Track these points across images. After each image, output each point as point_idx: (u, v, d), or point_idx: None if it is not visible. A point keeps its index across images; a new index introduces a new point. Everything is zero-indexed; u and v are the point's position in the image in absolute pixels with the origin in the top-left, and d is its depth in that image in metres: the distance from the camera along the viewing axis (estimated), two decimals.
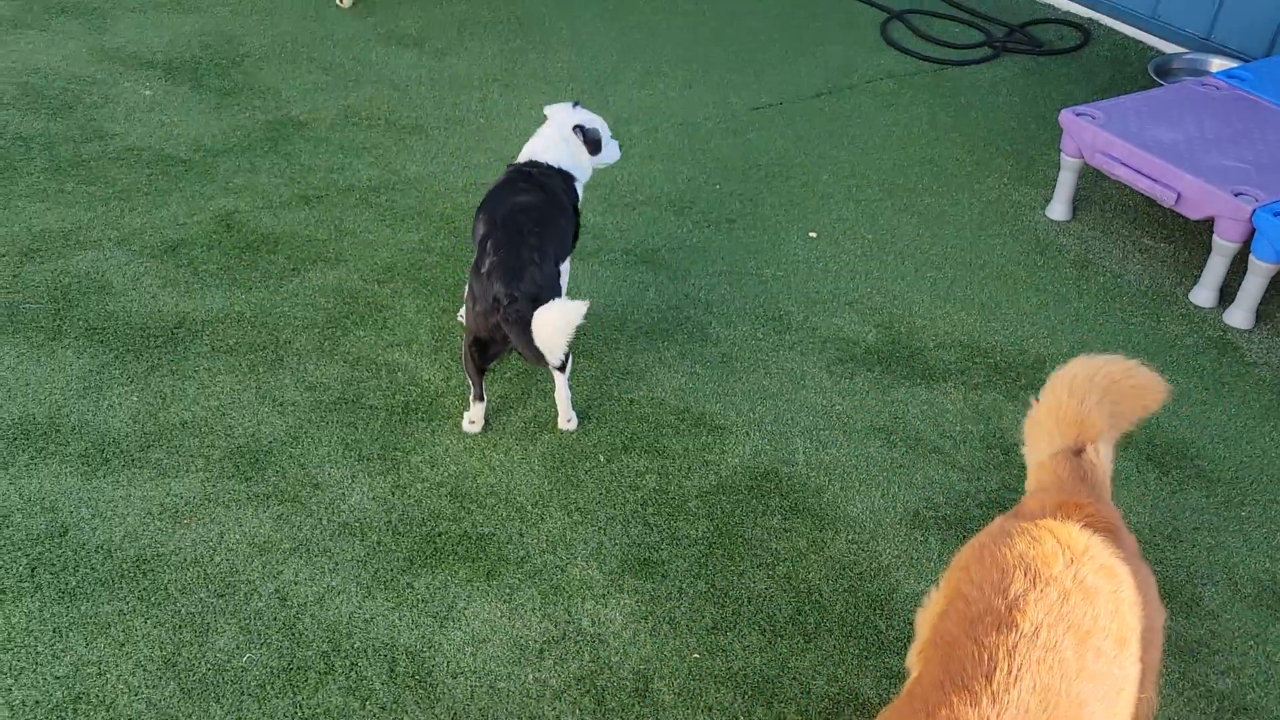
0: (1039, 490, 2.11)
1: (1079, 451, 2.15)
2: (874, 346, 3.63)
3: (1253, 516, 3.11)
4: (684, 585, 2.85)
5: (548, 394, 3.31)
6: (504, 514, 3.02)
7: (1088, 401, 2.19)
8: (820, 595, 2.84)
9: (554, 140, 3.30)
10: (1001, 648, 1.72)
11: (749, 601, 2.81)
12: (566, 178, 3.27)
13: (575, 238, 3.34)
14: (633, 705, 2.52)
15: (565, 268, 3.29)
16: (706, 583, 2.85)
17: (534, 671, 2.62)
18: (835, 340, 3.64)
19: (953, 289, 3.92)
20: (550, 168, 3.24)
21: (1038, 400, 2.26)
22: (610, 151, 3.44)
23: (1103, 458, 2.16)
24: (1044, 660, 1.71)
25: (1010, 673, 1.69)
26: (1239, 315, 3.71)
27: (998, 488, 3.15)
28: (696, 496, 3.11)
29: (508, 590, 2.81)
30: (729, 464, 3.20)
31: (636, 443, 3.27)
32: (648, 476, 3.16)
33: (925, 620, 2.03)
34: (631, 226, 4.11)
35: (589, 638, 2.70)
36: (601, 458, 3.22)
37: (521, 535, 2.97)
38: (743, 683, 2.63)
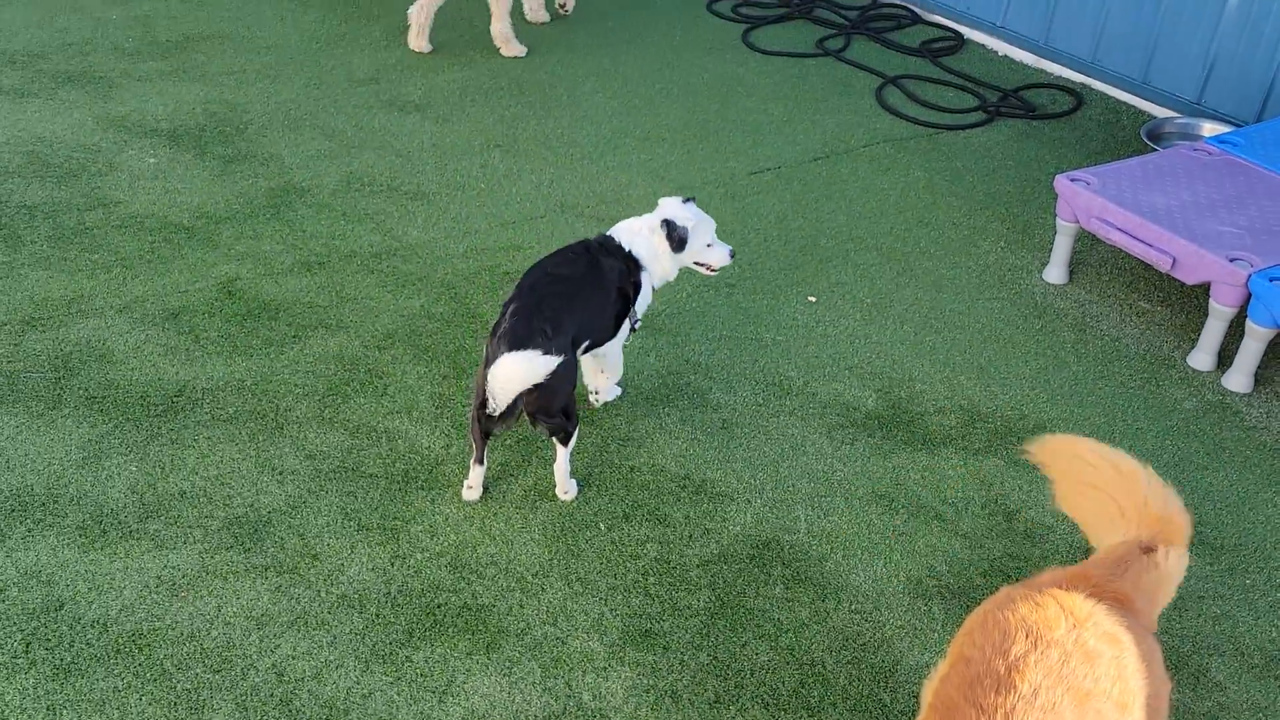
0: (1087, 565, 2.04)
1: (1149, 550, 2.06)
2: (874, 412, 3.63)
3: (1258, 585, 3.11)
4: (686, 657, 2.82)
5: (548, 461, 3.33)
6: (504, 584, 3.00)
7: (1172, 503, 2.12)
8: (824, 668, 2.81)
9: (641, 226, 3.26)
10: (999, 710, 1.69)
11: (752, 674, 2.78)
12: (631, 262, 3.20)
13: (621, 324, 3.27)
14: None
15: (609, 351, 3.29)
16: (709, 654, 2.83)
17: None
18: (835, 405, 3.65)
19: (952, 353, 3.93)
20: (618, 247, 3.21)
21: (1094, 470, 2.20)
22: (711, 254, 3.35)
23: (1172, 563, 2.07)
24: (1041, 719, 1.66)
25: None
26: (1238, 379, 3.71)
27: (1000, 555, 3.15)
28: (698, 566, 3.09)
29: (508, 663, 2.78)
30: (730, 532, 3.19)
31: (637, 511, 3.26)
32: (648, 545, 3.15)
33: (930, 689, 2.01)
34: None
35: (590, 712, 2.66)
36: (602, 526, 3.21)
37: (522, 606, 2.94)
38: None
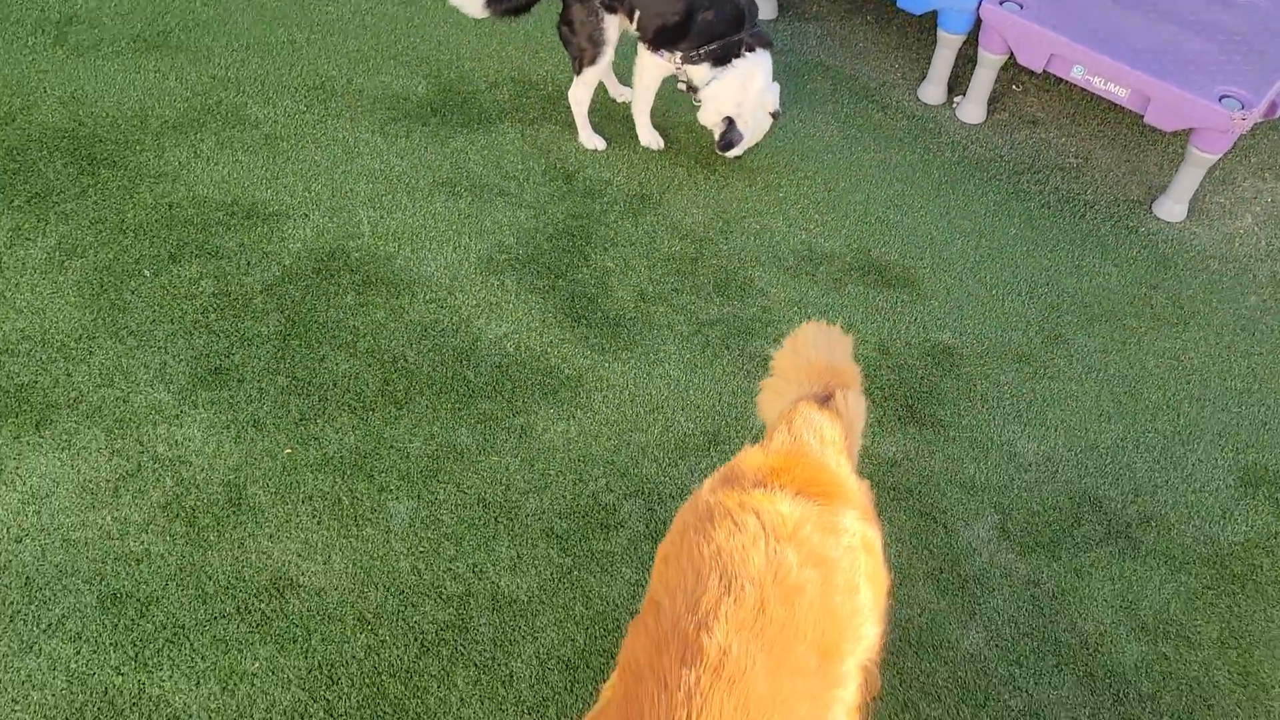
0: (762, 447, 1.85)
1: (827, 398, 1.92)
2: (425, 99, 3.54)
3: (789, 197, 3.44)
4: (263, 385, 2.75)
5: (69, 216, 3.07)
6: (42, 357, 2.74)
7: (837, 352, 2.02)
8: (406, 361, 2.84)
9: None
10: (683, 686, 1.45)
11: (334, 385, 2.77)
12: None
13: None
14: (228, 516, 2.47)
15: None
16: (287, 376, 2.78)
17: (110, 512, 2.45)
18: (384, 99, 3.52)
19: (497, 27, 3.79)
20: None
21: (773, 363, 2.10)
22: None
23: (851, 406, 1.94)
24: (730, 695, 1.44)
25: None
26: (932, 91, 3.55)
27: (565, 217, 3.29)
28: (261, 292, 2.97)
29: (65, 436, 2.58)
30: (291, 250, 3.08)
31: (185, 249, 3.05)
32: (204, 282, 2.98)
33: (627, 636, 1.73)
34: None
35: (168, 462, 2.56)
36: (147, 273, 2.98)
37: (69, 375, 2.71)
38: (340, 464, 2.60)
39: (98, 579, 2.35)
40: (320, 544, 2.45)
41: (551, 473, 2.64)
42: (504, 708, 2.19)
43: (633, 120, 3.47)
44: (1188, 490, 2.75)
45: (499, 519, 2.53)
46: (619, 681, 1.54)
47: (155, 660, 2.23)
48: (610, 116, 3.57)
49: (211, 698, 2.17)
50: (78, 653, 2.23)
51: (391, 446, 2.65)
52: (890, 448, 2.78)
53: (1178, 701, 2.30)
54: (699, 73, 3.23)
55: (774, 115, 3.29)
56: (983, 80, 3.64)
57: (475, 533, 2.50)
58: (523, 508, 2.56)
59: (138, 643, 2.26)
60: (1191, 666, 2.37)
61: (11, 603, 2.30)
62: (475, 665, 2.27)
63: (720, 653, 1.45)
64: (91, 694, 2.17)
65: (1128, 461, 2.80)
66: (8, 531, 2.41)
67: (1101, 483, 2.75)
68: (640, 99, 3.38)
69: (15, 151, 3.22)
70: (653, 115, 3.46)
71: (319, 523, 2.49)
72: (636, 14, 3.14)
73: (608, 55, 3.25)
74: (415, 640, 2.30)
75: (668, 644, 1.49)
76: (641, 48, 3.25)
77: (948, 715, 2.24)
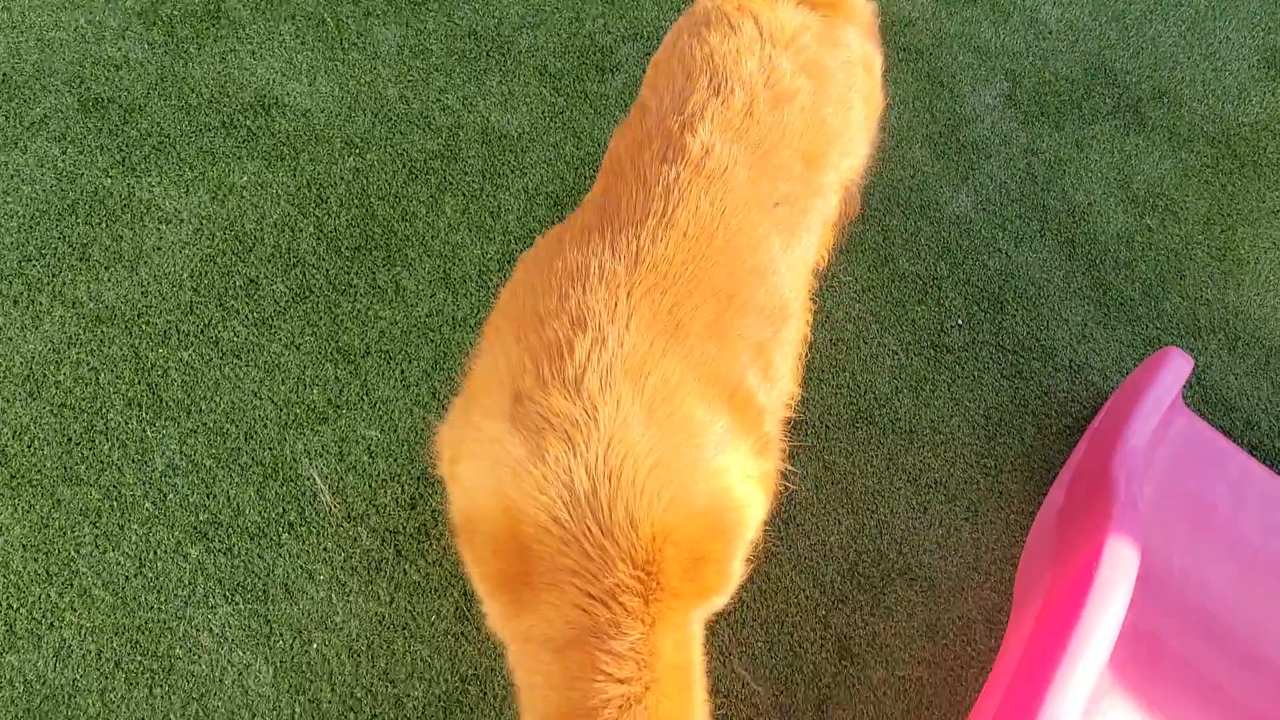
0: None
1: None
2: None
3: None
4: None
5: None
6: None
7: None
8: None
9: None
10: (661, 182, 1.38)
11: None
12: None
13: None
14: (208, 29, 2.41)
15: None
16: None
17: (85, 14, 2.39)
18: None
19: None
20: None
21: None
22: None
23: None
24: (708, 192, 1.39)
25: (664, 216, 1.37)
26: None
27: None
28: None
29: None
30: None
31: None
32: None
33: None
34: None
35: None
36: None
37: None
38: None
39: (77, 82, 2.30)
40: (305, 65, 2.38)
41: (546, 9, 2.52)
42: (491, 236, 2.20)
43: None
44: (1207, 68, 2.63)
45: (490, 53, 2.44)
46: (599, 180, 1.53)
47: (143, 166, 2.23)
48: None
49: (201, 206, 2.18)
50: (64, 153, 2.22)
51: None
52: (905, 6, 2.63)
53: (1152, 270, 2.33)
54: None
55: None
56: None
57: (465, 65, 2.41)
58: (516, 43, 2.45)
59: (124, 148, 2.24)
60: (1173, 239, 2.37)
61: None
62: (464, 195, 2.26)
63: (702, 151, 1.43)
64: (82, 193, 2.18)
65: (1152, 34, 2.68)
66: None
67: (1121, 55, 2.64)
68: None
69: None
70: None
71: (303, 43, 2.40)
72: None
73: None
74: (404, 166, 2.28)
75: (650, 141, 1.46)
76: None
77: (925, 271, 2.27)
